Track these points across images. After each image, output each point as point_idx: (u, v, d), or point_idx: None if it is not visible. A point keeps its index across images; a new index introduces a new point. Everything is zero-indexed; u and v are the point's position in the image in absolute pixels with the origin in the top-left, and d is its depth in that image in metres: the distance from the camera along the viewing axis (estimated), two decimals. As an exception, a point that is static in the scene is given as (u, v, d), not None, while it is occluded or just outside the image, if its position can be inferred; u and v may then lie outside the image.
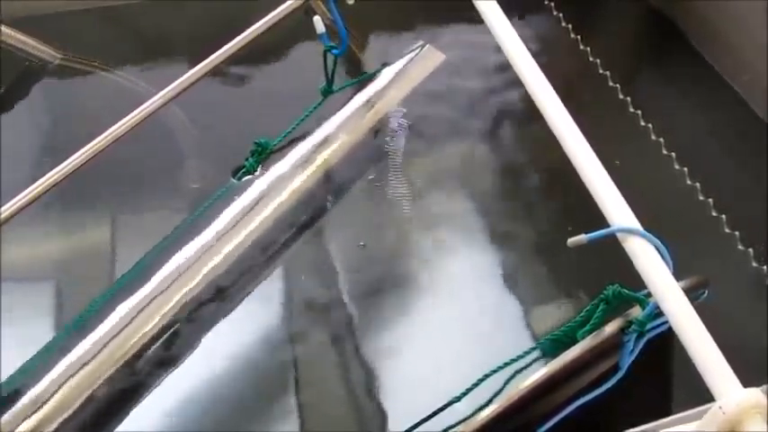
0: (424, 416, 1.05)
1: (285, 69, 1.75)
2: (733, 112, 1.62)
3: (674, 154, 1.52)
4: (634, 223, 0.96)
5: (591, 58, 1.69)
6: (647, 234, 0.95)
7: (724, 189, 1.46)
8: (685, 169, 1.49)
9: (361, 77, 1.47)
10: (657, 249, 0.95)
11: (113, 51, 1.72)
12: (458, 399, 1.06)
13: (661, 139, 1.53)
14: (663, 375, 1.18)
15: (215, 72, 1.63)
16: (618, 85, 1.63)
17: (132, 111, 1.25)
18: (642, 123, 1.57)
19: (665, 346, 1.07)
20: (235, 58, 1.61)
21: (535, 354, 1.07)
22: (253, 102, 1.69)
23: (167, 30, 1.79)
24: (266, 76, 1.74)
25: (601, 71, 1.66)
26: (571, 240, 0.97)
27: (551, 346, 1.07)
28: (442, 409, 1.05)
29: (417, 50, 1.51)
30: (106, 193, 1.50)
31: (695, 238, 1.39)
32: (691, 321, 0.90)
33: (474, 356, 1.26)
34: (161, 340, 1.20)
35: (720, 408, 0.80)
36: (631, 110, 1.59)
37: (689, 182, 1.48)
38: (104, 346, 1.16)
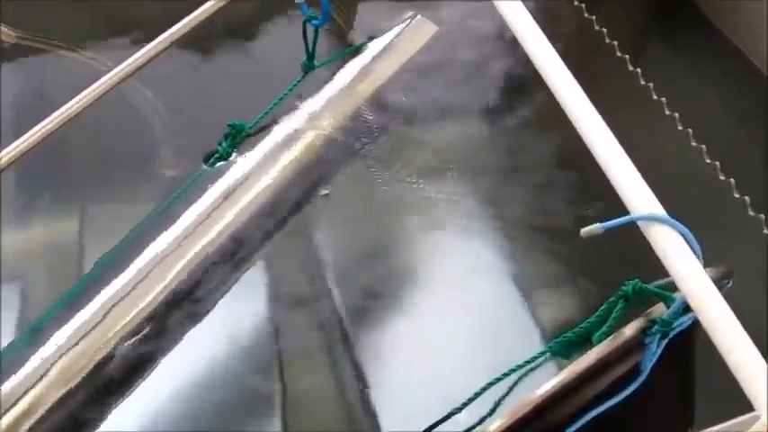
0: (422, 428, 0.97)
1: (265, 44, 1.64)
2: (751, 85, 1.51)
3: (690, 130, 1.41)
4: (658, 209, 0.85)
5: (597, 27, 1.57)
6: (674, 221, 0.84)
7: (746, 168, 1.36)
8: (703, 146, 1.38)
9: (345, 51, 1.36)
10: (685, 238, 0.83)
11: (74, 30, 1.61)
12: (459, 409, 0.97)
13: (676, 114, 1.43)
14: (684, 377, 1.08)
15: (188, 50, 1.55)
16: (627, 56, 1.52)
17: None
18: (654, 97, 1.46)
19: (686, 343, 0.98)
20: (209, 34, 1.52)
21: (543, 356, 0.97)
22: (231, 81, 1.60)
23: (132, 8, 1.67)
24: (245, 52, 1.64)
25: (608, 41, 1.54)
26: (585, 230, 0.87)
27: (563, 347, 0.97)
28: (442, 421, 0.97)
29: (408, 22, 1.41)
30: (74, 183, 1.45)
31: (716, 222, 1.30)
32: (726, 320, 0.80)
33: (477, 356, 1.17)
34: (137, 338, 1.13)
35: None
36: (642, 82, 1.48)
37: (708, 160, 1.37)
38: (76, 343, 1.10)
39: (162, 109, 1.51)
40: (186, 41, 1.63)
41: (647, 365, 0.95)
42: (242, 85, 1.57)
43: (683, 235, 0.84)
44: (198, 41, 1.63)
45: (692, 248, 0.83)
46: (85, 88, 1.19)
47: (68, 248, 1.39)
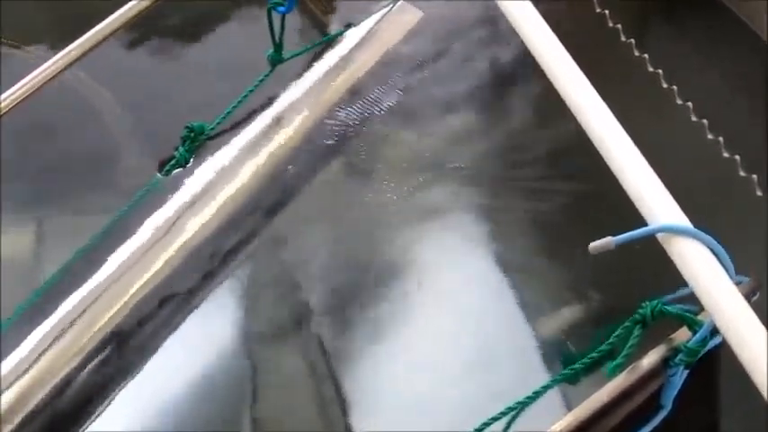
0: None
1: (241, 38, 1.50)
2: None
3: (705, 121, 1.27)
4: (681, 220, 0.72)
5: (598, 10, 1.43)
6: (701, 234, 0.71)
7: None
8: (720, 139, 1.24)
9: (319, 41, 1.25)
10: (715, 254, 0.70)
11: (23, 27, 1.47)
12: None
13: (689, 104, 1.29)
14: (707, 405, 0.96)
15: (151, 48, 1.41)
16: (632, 41, 1.38)
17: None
18: (664, 85, 1.32)
19: (710, 367, 0.88)
20: (174, 30, 1.45)
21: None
22: (201, 79, 1.46)
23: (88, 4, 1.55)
24: (217, 48, 1.50)
25: (611, 24, 1.41)
26: (594, 245, 0.76)
27: (570, 376, 0.84)
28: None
29: (389, 6, 1.30)
30: (29, 193, 1.32)
31: (738, 225, 1.15)
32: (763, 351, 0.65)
33: (472, 383, 1.03)
34: (91, 365, 1.05)
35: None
36: (650, 69, 1.34)
37: (726, 154, 1.23)
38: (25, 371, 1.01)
39: (123, 111, 1.38)
40: (150, 38, 1.53)
41: (669, 400, 0.83)
42: (213, 84, 1.44)
43: (712, 250, 0.71)
44: (162, 38, 1.51)
45: (723, 265, 0.70)
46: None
47: (22, 265, 1.26)
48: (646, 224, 0.74)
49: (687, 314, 0.78)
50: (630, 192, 0.75)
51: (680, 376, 0.80)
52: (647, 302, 0.79)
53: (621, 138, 0.75)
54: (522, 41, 0.93)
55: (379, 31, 1.26)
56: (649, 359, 0.79)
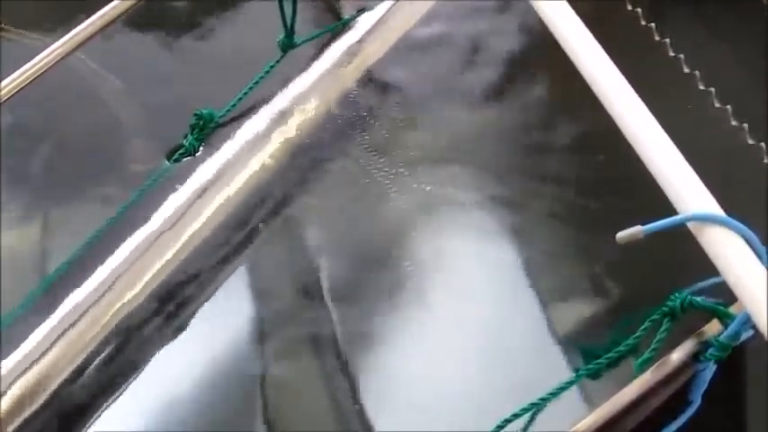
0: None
1: (251, 22, 1.48)
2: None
3: (729, 107, 1.23)
4: (713, 208, 0.69)
5: (617, -6, 1.40)
6: (735, 222, 0.68)
7: (795, 148, 1.18)
8: (745, 125, 1.21)
9: (331, 26, 1.21)
10: (749, 242, 0.67)
11: (22, 11, 1.45)
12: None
13: (711, 89, 1.25)
14: (733, 400, 0.93)
15: (158, 32, 1.39)
16: (653, 25, 1.34)
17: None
18: (686, 70, 1.28)
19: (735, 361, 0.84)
20: (184, 15, 1.45)
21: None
22: (210, 64, 1.43)
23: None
24: (226, 32, 1.48)
25: (630, 8, 1.37)
26: (622, 234, 0.72)
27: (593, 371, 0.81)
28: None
29: None
30: (37, 182, 1.31)
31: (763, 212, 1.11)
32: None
33: (487, 379, 0.99)
34: (100, 359, 1.03)
35: None
36: (671, 54, 1.31)
37: (750, 141, 1.19)
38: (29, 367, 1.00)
39: (130, 96, 1.37)
40: (158, 25, 1.50)
41: (698, 395, 0.79)
42: (222, 69, 1.41)
43: (746, 238, 0.68)
44: (171, 24, 1.49)
45: (758, 254, 0.67)
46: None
47: (29, 256, 1.24)
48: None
49: (718, 307, 0.75)
50: (660, 179, 0.72)
51: (709, 371, 0.77)
52: (677, 294, 0.76)
53: (651, 125, 0.72)
54: (535, 25, 0.90)
55: (392, 16, 1.24)
56: (679, 354, 0.76)
